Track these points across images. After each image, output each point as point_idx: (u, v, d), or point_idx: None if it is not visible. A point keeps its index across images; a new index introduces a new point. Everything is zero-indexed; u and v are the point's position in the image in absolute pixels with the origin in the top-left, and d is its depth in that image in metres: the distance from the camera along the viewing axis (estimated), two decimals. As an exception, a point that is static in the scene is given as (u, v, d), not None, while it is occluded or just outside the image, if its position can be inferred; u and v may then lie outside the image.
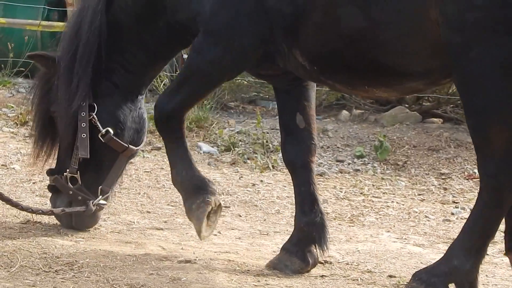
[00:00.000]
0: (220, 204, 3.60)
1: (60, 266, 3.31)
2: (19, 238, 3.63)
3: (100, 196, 3.87)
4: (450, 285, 3.17)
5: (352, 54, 3.40)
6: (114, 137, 3.81)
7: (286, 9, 3.38)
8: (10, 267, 3.27)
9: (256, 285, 3.34)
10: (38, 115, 4.04)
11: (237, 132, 6.51)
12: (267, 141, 6.27)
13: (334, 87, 3.93)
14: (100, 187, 3.88)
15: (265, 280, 3.40)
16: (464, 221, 4.86)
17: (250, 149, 6.20)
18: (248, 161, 5.90)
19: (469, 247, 3.24)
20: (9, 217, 4.04)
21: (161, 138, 4.09)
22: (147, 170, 5.33)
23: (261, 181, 5.62)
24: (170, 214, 4.45)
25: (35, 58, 4.10)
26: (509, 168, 3.09)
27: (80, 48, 3.78)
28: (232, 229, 4.36)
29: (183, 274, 3.38)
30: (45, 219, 4.06)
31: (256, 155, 6.06)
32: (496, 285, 3.66)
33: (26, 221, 3.96)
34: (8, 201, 3.91)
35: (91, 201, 3.81)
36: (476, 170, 6.07)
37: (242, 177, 5.65)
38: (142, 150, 5.72)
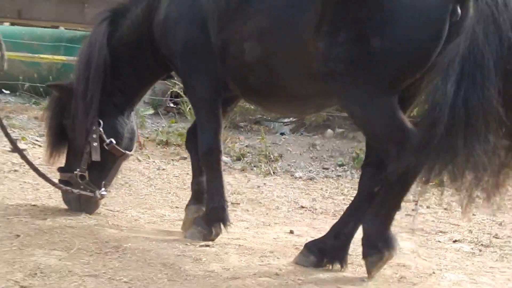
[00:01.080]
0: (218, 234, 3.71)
1: (109, 249, 3.31)
2: (76, 227, 3.63)
3: (103, 188, 3.98)
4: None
5: (256, 78, 3.46)
6: (115, 146, 3.93)
7: (217, 43, 3.50)
8: (70, 249, 3.27)
9: (260, 264, 3.34)
10: (52, 127, 4.10)
11: (246, 145, 6.50)
12: (269, 153, 6.27)
13: (257, 106, 3.98)
14: (103, 182, 3.99)
15: (268, 261, 3.39)
16: (422, 215, 4.87)
17: (256, 159, 6.19)
18: (254, 168, 5.89)
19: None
20: (67, 209, 4.03)
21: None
22: (176, 175, 5.32)
23: (264, 183, 5.62)
24: (193, 210, 4.45)
25: (54, 87, 4.15)
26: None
27: (91, 76, 3.86)
28: (242, 221, 4.36)
29: (203, 256, 3.37)
30: (99, 215, 4.07)
31: (260, 163, 6.07)
32: (446, 265, 3.65)
33: (82, 213, 3.96)
34: (44, 176, 4.01)
35: (97, 191, 3.94)
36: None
37: (249, 180, 5.66)
38: (172, 159, 5.72)
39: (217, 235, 3.68)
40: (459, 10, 2.90)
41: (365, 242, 3.23)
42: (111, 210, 4.17)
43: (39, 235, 3.46)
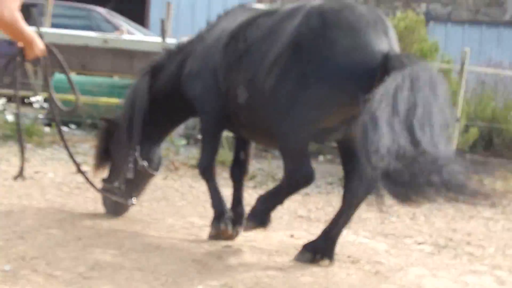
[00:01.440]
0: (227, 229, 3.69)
1: (151, 248, 3.34)
2: (126, 231, 3.67)
3: (134, 198, 4.04)
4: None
5: (244, 117, 3.58)
6: (147, 168, 3.97)
7: (223, 89, 3.64)
8: (121, 248, 3.30)
9: (268, 261, 3.35)
10: (100, 148, 4.22)
11: (257, 168, 6.51)
12: (274, 174, 6.28)
13: (249, 140, 4.01)
14: (134, 194, 4.04)
15: (274, 258, 3.41)
16: (392, 223, 4.86)
17: (265, 179, 6.20)
18: (264, 186, 5.89)
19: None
20: (119, 217, 4.04)
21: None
22: (203, 191, 5.32)
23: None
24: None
25: (105, 120, 4.28)
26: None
27: (134, 115, 3.98)
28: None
29: (224, 254, 3.39)
30: (143, 222, 4.08)
31: (268, 182, 6.07)
32: (412, 262, 3.65)
33: (131, 218, 3.98)
34: (98, 190, 4.10)
35: (129, 200, 3.99)
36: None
37: (259, 195, 5.69)
38: (200, 179, 5.73)
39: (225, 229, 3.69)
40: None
41: (252, 211, 3.48)
42: (153, 219, 4.18)
43: (97, 237, 3.50)
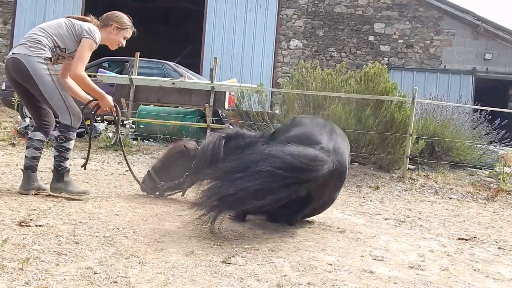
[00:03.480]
0: None
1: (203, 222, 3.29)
2: (185, 213, 3.57)
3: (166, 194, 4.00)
4: None
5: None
6: (186, 188, 3.90)
7: None
8: (183, 222, 3.24)
9: (282, 230, 3.28)
10: (169, 158, 4.01)
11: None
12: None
13: None
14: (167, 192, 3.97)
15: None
16: (367, 205, 4.74)
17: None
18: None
19: None
20: (185, 208, 3.96)
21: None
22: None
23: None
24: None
25: (187, 144, 3.97)
26: None
27: (205, 158, 3.66)
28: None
29: (253, 225, 3.32)
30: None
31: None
32: (382, 232, 3.54)
33: (189, 202, 3.93)
34: (137, 180, 4.04)
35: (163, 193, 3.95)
36: (373, 184, 5.92)
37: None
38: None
39: None
40: None
41: None
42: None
43: (167, 214, 3.45)
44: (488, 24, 14.63)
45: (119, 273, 2.13)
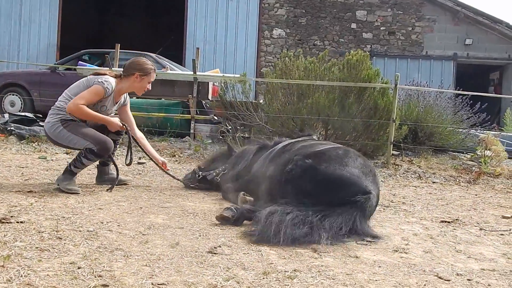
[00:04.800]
0: None
1: (189, 214, 3.26)
2: (172, 204, 3.57)
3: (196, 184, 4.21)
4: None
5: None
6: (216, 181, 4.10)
7: None
8: (168, 214, 3.23)
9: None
10: (215, 155, 4.49)
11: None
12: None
13: None
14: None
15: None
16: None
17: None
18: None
19: None
20: (165, 194, 3.96)
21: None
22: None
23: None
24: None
25: (229, 147, 4.34)
26: None
27: (240, 159, 4.00)
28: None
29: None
30: (186, 200, 3.99)
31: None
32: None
33: (176, 194, 3.90)
34: (170, 175, 4.26)
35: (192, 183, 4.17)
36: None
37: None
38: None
39: None
40: None
41: None
42: (191, 193, 4.11)
43: (152, 207, 3.43)
44: (468, 10, 14.77)
45: (104, 267, 2.11)
